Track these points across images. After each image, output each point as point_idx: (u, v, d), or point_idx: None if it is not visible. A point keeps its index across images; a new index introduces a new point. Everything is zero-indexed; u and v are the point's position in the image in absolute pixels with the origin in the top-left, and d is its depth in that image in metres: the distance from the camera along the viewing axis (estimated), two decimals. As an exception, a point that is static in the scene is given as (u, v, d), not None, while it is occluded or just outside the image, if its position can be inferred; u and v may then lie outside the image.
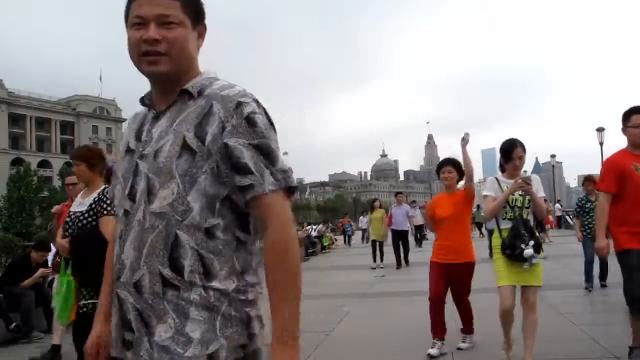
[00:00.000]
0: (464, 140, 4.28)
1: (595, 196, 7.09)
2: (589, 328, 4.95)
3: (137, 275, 1.19)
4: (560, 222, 25.22)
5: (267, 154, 1.19)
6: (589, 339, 4.55)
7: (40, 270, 6.09)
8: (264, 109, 1.25)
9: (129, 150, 1.31)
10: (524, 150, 3.75)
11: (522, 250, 3.53)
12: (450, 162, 4.53)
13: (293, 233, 1.21)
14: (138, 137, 1.29)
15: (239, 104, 1.20)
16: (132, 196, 1.23)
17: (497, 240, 3.78)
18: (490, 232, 14.04)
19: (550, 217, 21.90)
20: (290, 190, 1.22)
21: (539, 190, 3.67)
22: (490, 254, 13.71)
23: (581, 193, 7.86)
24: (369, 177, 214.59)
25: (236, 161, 1.17)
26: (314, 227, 23.00)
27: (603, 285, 7.06)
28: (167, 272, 1.17)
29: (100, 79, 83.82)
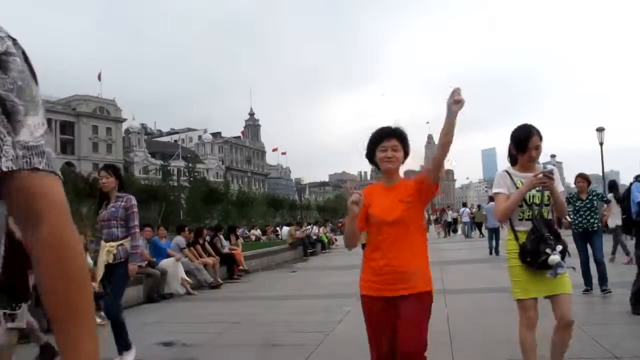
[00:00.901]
0: (457, 99, 2.43)
1: (586, 194, 6.92)
2: (589, 328, 4.94)
3: None
4: (560, 222, 25.22)
5: (10, 114, 0.82)
6: (589, 339, 4.54)
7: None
8: (23, 51, 0.88)
9: None
10: (541, 139, 3.10)
11: (549, 256, 2.92)
12: (396, 134, 2.70)
13: (74, 235, 0.86)
14: None
15: None
16: None
17: (512, 244, 3.11)
18: (492, 231, 14.23)
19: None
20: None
21: (558, 184, 3.05)
22: (490, 252, 13.90)
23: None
24: (369, 177, 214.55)
25: None
26: (312, 227, 22.96)
27: (604, 291, 6.69)
28: None
29: (99, 78, 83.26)
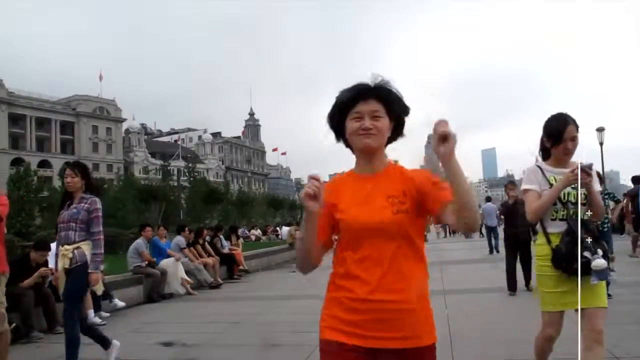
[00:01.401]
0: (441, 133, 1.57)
1: None
2: (589, 328, 4.94)
3: None
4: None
5: None
6: (589, 339, 4.54)
7: (40, 270, 6.09)
8: None
9: None
10: (578, 129, 2.74)
11: (587, 260, 2.57)
12: (377, 92, 1.65)
13: None
14: None
15: None
16: None
17: (544, 249, 2.74)
18: (489, 230, 14.23)
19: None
20: None
21: (595, 182, 2.73)
22: (491, 251, 13.89)
23: None
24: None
25: None
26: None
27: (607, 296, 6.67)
28: None
29: (100, 78, 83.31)
